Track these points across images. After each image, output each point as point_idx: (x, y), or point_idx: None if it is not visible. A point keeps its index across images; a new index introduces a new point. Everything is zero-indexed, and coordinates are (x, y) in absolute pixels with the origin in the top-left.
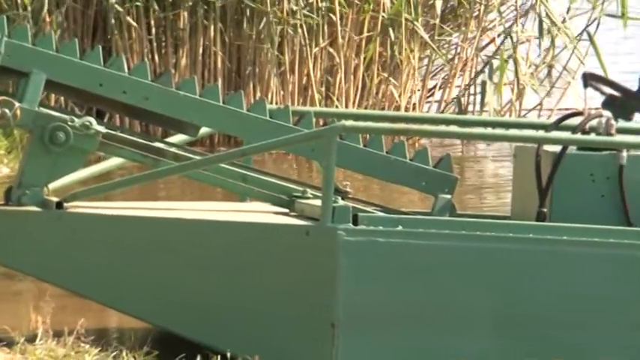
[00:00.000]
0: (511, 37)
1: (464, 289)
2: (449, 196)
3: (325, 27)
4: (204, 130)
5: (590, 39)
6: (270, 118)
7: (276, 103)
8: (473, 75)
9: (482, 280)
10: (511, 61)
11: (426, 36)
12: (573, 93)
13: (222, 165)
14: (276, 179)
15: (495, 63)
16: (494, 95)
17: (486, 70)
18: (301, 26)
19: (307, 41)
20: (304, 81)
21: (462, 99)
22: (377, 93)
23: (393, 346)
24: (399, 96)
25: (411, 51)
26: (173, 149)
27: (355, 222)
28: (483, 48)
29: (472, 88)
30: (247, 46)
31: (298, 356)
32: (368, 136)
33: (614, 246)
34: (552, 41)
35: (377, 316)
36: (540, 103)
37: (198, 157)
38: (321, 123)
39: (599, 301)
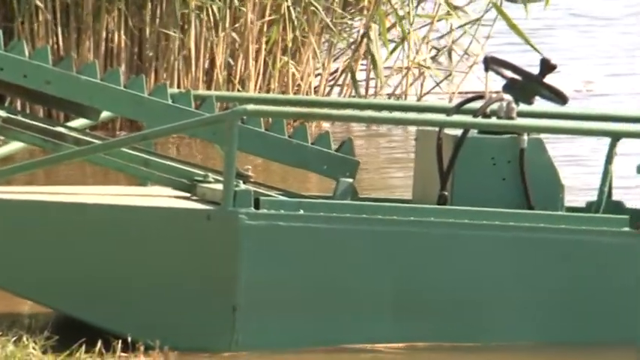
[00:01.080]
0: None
1: (365, 273)
2: (350, 180)
3: (228, 11)
4: (105, 115)
5: (501, 12)
6: (172, 102)
7: (182, 88)
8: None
9: (384, 263)
10: (413, 44)
11: (326, 18)
12: (475, 76)
13: (124, 149)
14: (178, 163)
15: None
16: (383, 75)
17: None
18: (205, 10)
19: (212, 25)
20: (207, 65)
21: (363, 82)
22: (279, 77)
23: (295, 330)
24: (301, 80)
25: (314, 35)
26: (74, 133)
27: (257, 206)
28: (388, 31)
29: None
30: (151, 30)
31: (200, 340)
32: (270, 120)
33: (514, 229)
34: (454, 23)
35: (278, 300)
36: (438, 85)
37: (99, 142)
38: (224, 107)
39: (500, 283)
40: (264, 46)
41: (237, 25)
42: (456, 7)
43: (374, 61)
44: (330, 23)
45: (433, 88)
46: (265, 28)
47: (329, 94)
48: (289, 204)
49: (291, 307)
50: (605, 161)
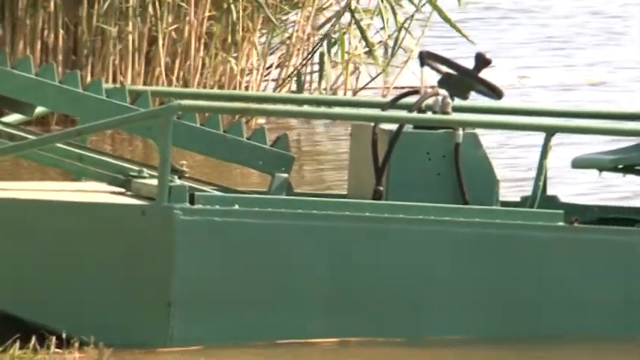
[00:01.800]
0: (352, 13)
1: (300, 268)
2: (285, 175)
3: (168, 6)
4: (40, 110)
5: (435, 7)
6: (107, 97)
7: (118, 83)
8: (308, 54)
9: (319, 258)
10: (351, 40)
11: (270, 15)
12: (410, 71)
13: (58, 144)
14: (113, 159)
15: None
16: (331, 72)
17: (324, 46)
18: (145, 5)
19: (156, 20)
20: (145, 61)
21: (301, 77)
22: (216, 72)
23: (230, 325)
24: (239, 75)
25: (253, 31)
26: (8, 129)
27: (192, 201)
28: (320, 27)
29: (310, 66)
30: (87, 25)
31: (135, 336)
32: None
33: (450, 224)
34: (390, 19)
35: (214, 295)
36: (373, 80)
37: (33, 137)
38: (160, 102)
39: (435, 278)
40: (204, 42)
41: (177, 26)
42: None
43: (321, 58)
44: (274, 19)
45: (368, 83)
46: (206, 24)
47: (264, 89)
48: (224, 199)
49: (226, 302)
50: (540, 156)
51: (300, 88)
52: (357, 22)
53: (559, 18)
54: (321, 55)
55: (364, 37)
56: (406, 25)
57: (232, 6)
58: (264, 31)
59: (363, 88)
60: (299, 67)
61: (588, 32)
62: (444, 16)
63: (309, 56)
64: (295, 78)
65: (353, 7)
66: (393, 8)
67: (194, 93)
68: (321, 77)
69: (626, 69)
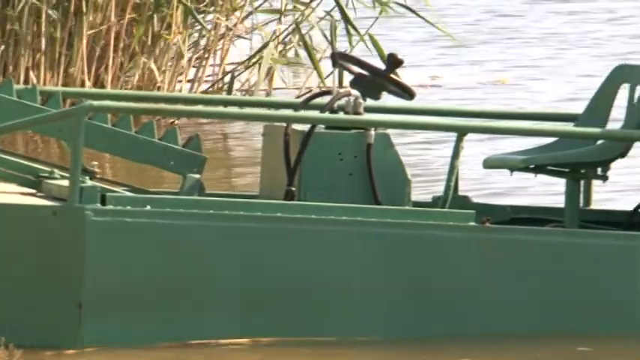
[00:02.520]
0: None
1: (212, 269)
2: (197, 176)
3: (90, 7)
4: None
5: (341, 7)
6: (18, 98)
7: (31, 84)
8: (224, 55)
9: (231, 259)
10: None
11: (195, 13)
12: (323, 72)
13: None
14: (24, 160)
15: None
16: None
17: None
18: (61, 6)
19: (76, 21)
20: (65, 61)
21: (234, 78)
22: (135, 74)
23: (141, 326)
24: (158, 76)
25: (178, 33)
26: None
27: (103, 202)
28: (234, 26)
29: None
30: (2, 26)
31: (47, 337)
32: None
33: (362, 224)
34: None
35: (125, 296)
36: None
37: None
38: (72, 103)
39: (347, 278)
40: (122, 43)
41: (97, 21)
42: (304, 3)
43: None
44: (201, 20)
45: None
46: (125, 26)
47: (180, 90)
48: (136, 200)
49: (137, 303)
50: (452, 156)
51: (230, 89)
52: (298, 25)
53: (461, 16)
54: (263, 56)
55: (305, 45)
56: (321, 26)
57: (152, 7)
58: (187, 32)
59: (276, 88)
60: (234, 69)
61: (490, 32)
62: (346, 18)
63: (248, 58)
64: (229, 80)
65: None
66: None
67: (106, 94)
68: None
69: (529, 67)
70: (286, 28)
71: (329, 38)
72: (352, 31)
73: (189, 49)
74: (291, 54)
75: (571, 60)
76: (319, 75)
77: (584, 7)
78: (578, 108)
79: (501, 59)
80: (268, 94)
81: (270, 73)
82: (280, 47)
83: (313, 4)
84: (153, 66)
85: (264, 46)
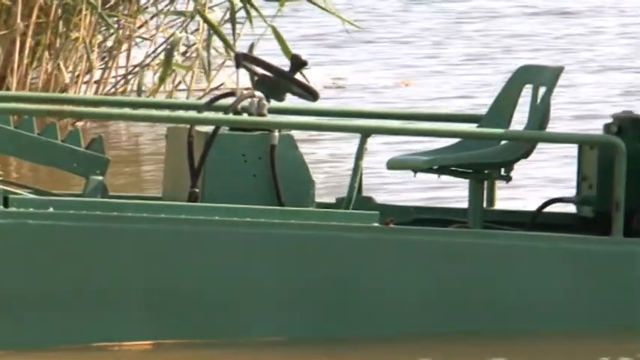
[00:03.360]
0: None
1: (115, 271)
2: (100, 178)
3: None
4: None
5: (247, 10)
6: None
7: None
8: (129, 56)
9: (135, 261)
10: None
11: (107, 18)
12: (227, 74)
13: None
14: None
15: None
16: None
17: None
18: None
19: None
20: None
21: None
22: (42, 75)
23: (43, 329)
24: (65, 78)
25: (87, 35)
26: None
27: (6, 204)
28: (139, 28)
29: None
30: None
31: None
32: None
33: (265, 225)
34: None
35: (28, 299)
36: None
37: None
38: None
39: (252, 279)
40: (30, 45)
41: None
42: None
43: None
44: (109, 21)
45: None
46: (32, 28)
47: (86, 91)
48: (39, 202)
49: (40, 305)
50: (356, 157)
51: (139, 90)
52: (212, 26)
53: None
54: (166, 56)
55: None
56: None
57: (59, 10)
58: (94, 33)
59: (181, 90)
60: (140, 69)
61: (395, 33)
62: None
63: (153, 58)
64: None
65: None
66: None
67: (8, 95)
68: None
69: (433, 68)
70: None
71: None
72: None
73: (95, 51)
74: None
75: (476, 61)
76: (207, 78)
77: (464, 7)
78: (482, 109)
79: (406, 61)
80: (169, 95)
81: (173, 75)
82: (183, 49)
83: (215, 8)
84: (62, 67)
85: (170, 50)
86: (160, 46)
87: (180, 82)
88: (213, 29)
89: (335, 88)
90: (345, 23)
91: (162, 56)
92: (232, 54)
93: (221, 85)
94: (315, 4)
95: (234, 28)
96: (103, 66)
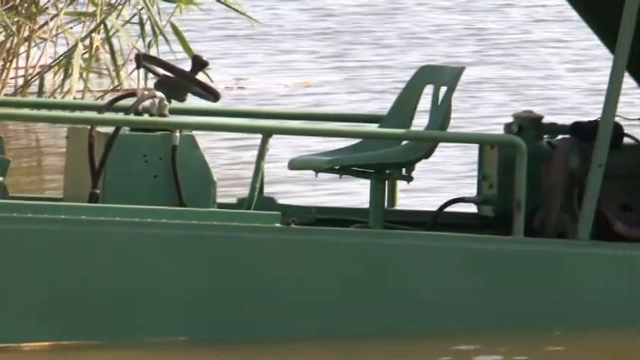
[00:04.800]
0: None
1: (15, 271)
2: (0, 179)
3: None
4: None
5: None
6: None
7: None
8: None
9: (35, 262)
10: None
11: (7, 20)
12: (128, 74)
13: None
14: None
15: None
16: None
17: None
18: None
19: None
20: None
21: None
22: None
23: None
24: None
25: None
26: None
27: None
28: (39, 29)
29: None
30: None
31: None
32: None
33: (167, 226)
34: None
35: None
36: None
37: None
38: None
39: (155, 280)
40: None
41: None
42: (112, 6)
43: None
44: (8, 22)
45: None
46: None
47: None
48: None
49: None
50: (257, 158)
51: (40, 91)
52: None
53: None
54: (69, 58)
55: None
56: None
57: None
58: None
59: (81, 91)
60: (44, 70)
61: (296, 34)
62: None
63: (57, 60)
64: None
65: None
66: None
67: None
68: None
69: (334, 69)
70: (91, 31)
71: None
72: (157, 29)
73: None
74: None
75: (378, 61)
76: (118, 78)
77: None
78: (383, 109)
79: (306, 61)
80: (64, 96)
81: (75, 76)
82: (85, 50)
83: (118, 8)
84: None
85: (71, 50)
86: (61, 46)
87: (82, 83)
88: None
89: (236, 88)
90: (249, 21)
91: (63, 57)
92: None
93: (118, 86)
94: (220, 1)
95: (142, 31)
96: (1, 67)
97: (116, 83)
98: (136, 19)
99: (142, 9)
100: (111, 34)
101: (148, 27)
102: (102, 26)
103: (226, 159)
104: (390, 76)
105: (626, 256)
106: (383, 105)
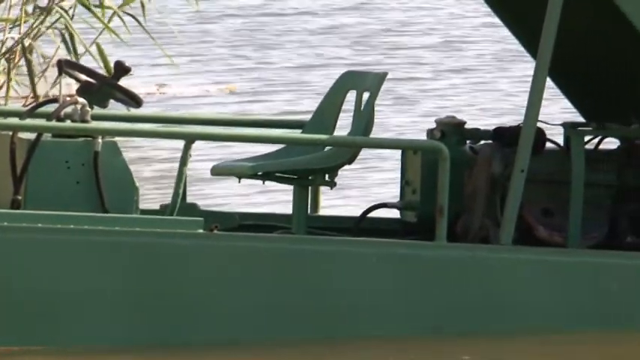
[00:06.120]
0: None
1: None
2: None
3: None
4: None
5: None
6: None
7: None
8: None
9: None
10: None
11: None
12: (52, 81)
13: None
14: None
15: None
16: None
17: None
18: None
19: None
20: None
21: None
22: None
23: None
24: None
25: None
26: None
27: None
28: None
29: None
30: None
31: None
32: None
33: (89, 232)
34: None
35: None
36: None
37: None
38: None
39: (77, 286)
40: None
41: None
42: (41, 9)
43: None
44: None
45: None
46: None
47: None
48: None
49: None
50: (180, 164)
51: None
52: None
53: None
54: (28, 62)
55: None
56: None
57: None
58: None
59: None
60: None
61: (221, 39)
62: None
63: None
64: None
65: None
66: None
67: None
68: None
69: (256, 75)
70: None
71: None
72: (78, 42)
73: None
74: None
75: (299, 67)
76: (32, 85)
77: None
78: (307, 115)
79: (232, 67)
80: None
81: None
82: (6, 56)
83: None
84: None
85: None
86: None
87: (3, 90)
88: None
89: (158, 94)
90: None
91: None
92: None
93: (35, 94)
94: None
95: (72, 38)
96: None
97: (33, 92)
98: (59, 24)
99: (58, 18)
100: (33, 40)
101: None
102: (22, 31)
103: (150, 164)
104: (318, 81)
105: (548, 261)
106: (308, 110)
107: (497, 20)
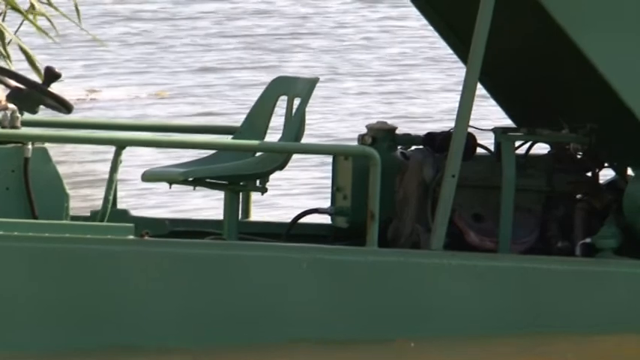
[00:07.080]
0: None
1: None
2: None
3: None
4: None
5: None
6: None
7: None
8: None
9: None
10: None
11: None
12: None
13: None
14: None
15: None
16: None
17: None
18: None
19: None
20: None
21: None
22: None
23: None
24: None
25: None
26: None
27: None
28: None
29: None
30: None
31: None
32: None
33: (19, 239)
34: None
35: None
36: None
37: None
38: None
39: (7, 292)
40: None
41: None
42: None
43: None
44: None
45: None
46: None
47: None
48: None
49: None
50: (110, 170)
51: None
52: None
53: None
54: None
55: None
56: None
57: None
58: None
59: None
60: None
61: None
62: None
63: None
64: None
65: None
66: None
67: None
68: None
69: (189, 80)
70: None
71: None
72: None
73: None
74: None
75: (232, 71)
76: None
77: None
78: (238, 121)
79: (163, 73)
80: None
81: None
82: None
83: None
84: None
85: None
86: None
87: None
88: None
89: (89, 100)
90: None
91: None
92: None
93: None
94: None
95: (2, 39)
96: None
97: None
98: None
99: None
100: None
101: None
102: None
103: (81, 171)
104: (254, 86)
105: (478, 267)
106: (239, 116)
107: None
